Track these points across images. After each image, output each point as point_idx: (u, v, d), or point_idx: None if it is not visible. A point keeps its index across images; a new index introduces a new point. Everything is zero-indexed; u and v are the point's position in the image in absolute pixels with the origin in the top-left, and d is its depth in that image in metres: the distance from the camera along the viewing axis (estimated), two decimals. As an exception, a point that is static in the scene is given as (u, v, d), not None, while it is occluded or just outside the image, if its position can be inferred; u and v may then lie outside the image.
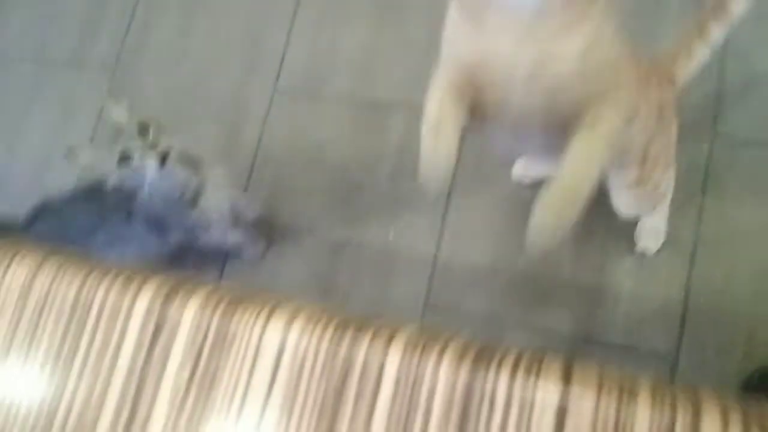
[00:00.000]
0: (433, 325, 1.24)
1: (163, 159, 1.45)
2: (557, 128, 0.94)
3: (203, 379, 0.61)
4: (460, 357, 0.56)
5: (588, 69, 0.89)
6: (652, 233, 1.56)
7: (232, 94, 2.01)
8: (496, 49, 0.89)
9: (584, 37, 0.87)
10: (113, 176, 1.47)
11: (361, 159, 1.83)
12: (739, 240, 1.55)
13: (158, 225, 1.62)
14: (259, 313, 0.61)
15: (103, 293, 0.67)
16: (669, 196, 1.48)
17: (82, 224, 1.63)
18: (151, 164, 1.44)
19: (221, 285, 0.67)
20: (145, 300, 0.65)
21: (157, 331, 0.64)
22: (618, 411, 0.54)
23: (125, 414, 0.62)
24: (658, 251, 1.56)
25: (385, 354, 0.57)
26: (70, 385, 0.65)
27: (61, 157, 1.42)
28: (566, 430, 0.53)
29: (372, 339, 0.58)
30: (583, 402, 0.55)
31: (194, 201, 1.59)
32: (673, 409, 0.54)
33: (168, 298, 0.65)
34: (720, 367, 1.49)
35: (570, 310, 1.57)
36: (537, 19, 0.85)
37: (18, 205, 1.66)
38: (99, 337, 0.65)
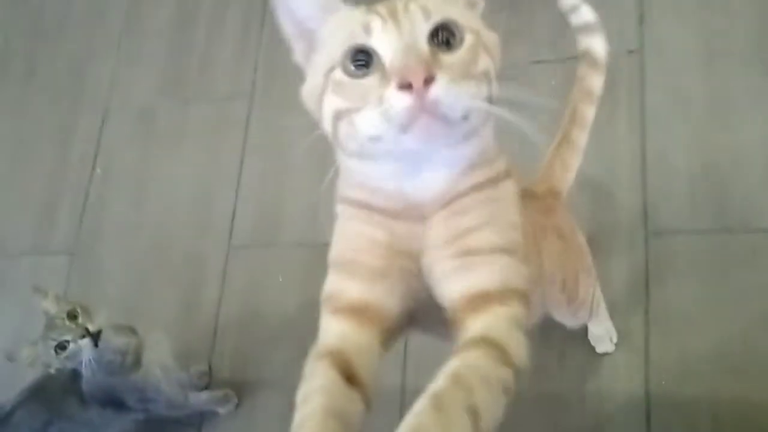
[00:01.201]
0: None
1: (96, 337, 1.51)
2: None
3: None
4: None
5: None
6: (603, 337, 1.57)
7: (190, 255, 2.06)
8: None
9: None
10: (54, 365, 1.52)
11: (317, 297, 1.84)
12: (688, 324, 1.56)
13: (110, 398, 1.64)
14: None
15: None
16: (601, 303, 1.50)
17: (34, 426, 1.65)
18: (86, 345, 1.50)
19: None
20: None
21: None
22: None
23: None
24: (615, 350, 1.57)
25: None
26: None
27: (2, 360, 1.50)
28: None
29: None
30: None
31: (137, 362, 1.62)
32: None
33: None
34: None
35: (539, 420, 1.55)
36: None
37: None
38: None
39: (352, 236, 0.84)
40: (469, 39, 0.73)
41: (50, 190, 2.31)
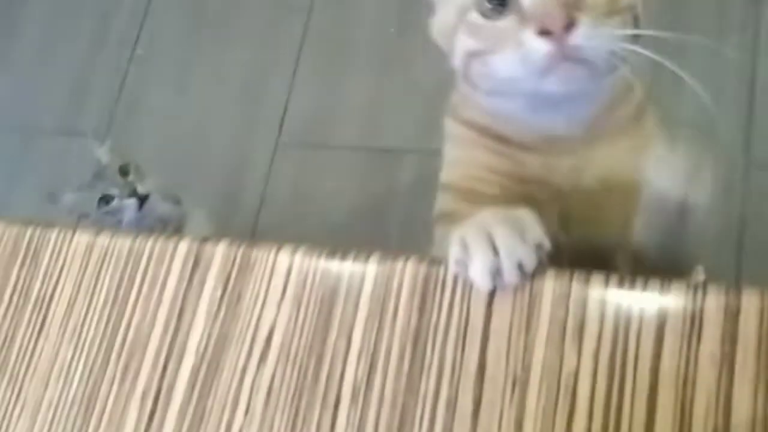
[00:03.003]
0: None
1: (143, 200, 1.50)
2: None
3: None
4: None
5: None
6: None
7: (234, 149, 2.00)
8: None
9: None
10: (92, 216, 1.51)
11: (370, 208, 1.82)
12: None
13: None
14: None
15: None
16: None
17: None
18: (131, 205, 1.50)
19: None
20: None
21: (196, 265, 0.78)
22: None
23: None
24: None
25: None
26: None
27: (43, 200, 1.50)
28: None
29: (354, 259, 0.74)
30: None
31: (177, 232, 1.59)
32: None
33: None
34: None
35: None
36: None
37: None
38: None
39: (472, 164, 0.83)
40: None
41: (87, 68, 2.21)
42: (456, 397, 0.66)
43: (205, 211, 1.69)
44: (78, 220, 1.57)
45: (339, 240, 1.52)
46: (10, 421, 0.77)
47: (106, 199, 1.49)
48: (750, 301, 0.62)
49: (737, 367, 0.61)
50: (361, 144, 1.89)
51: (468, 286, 0.68)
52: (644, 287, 0.66)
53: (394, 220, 1.78)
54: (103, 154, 1.55)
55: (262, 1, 2.14)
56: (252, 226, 1.89)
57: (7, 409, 0.78)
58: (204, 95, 2.08)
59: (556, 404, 0.64)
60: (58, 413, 0.76)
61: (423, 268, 0.71)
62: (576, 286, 0.67)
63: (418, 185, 1.75)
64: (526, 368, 0.65)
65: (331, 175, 1.88)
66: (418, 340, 0.69)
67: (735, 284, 0.63)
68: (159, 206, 1.55)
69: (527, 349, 0.66)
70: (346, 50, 2.00)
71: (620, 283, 0.66)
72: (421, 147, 1.72)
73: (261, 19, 2.12)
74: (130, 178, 1.53)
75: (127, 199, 1.50)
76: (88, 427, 0.74)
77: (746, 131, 1.63)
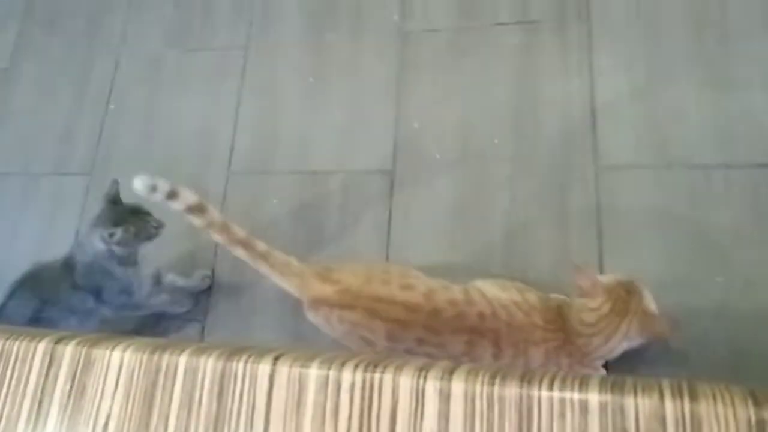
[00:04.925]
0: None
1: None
2: None
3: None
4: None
5: None
6: None
7: (193, 181, 2.06)
8: None
9: None
10: (131, 245, 1.71)
11: (308, 220, 1.97)
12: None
13: (97, 287, 1.75)
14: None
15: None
16: None
17: (25, 314, 1.74)
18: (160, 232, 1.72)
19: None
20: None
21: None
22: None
23: None
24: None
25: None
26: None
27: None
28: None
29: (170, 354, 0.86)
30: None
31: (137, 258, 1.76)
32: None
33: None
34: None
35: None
36: None
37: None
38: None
39: None
40: None
41: (70, 120, 2.42)
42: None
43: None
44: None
45: (287, 249, 1.67)
46: None
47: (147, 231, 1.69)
48: (458, 387, 0.73)
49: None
50: (296, 168, 2.07)
51: (254, 378, 0.81)
52: (383, 370, 0.77)
53: (329, 229, 1.97)
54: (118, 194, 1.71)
55: (206, 63, 2.36)
56: (214, 244, 2.04)
57: None
58: (166, 139, 2.28)
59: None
60: None
61: (221, 363, 0.83)
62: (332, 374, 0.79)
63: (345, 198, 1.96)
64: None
65: (275, 194, 2.07)
66: (217, 424, 0.81)
67: (449, 370, 0.75)
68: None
69: (298, 430, 0.77)
70: (278, 94, 2.21)
71: (366, 368, 0.77)
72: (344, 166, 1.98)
73: (207, 75, 2.34)
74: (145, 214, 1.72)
75: (160, 229, 1.72)
76: None
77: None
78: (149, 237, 1.69)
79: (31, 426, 0.88)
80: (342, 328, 1.47)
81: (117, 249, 1.67)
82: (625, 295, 1.38)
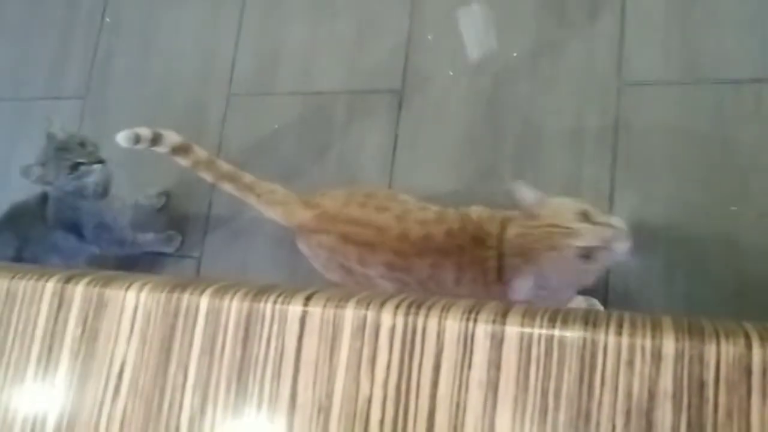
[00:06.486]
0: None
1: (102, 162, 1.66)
2: None
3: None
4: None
5: None
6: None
7: (192, 102, 2.06)
8: None
9: None
10: (59, 183, 1.65)
11: (310, 144, 1.87)
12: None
13: (73, 224, 1.73)
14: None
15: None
16: None
17: (7, 254, 1.72)
18: (98, 168, 1.66)
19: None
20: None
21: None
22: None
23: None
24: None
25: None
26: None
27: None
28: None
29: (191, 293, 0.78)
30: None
31: (105, 191, 1.73)
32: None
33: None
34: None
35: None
36: None
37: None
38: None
39: None
40: None
41: (63, 37, 2.29)
42: (273, 426, 0.70)
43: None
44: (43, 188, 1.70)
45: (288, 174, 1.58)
46: None
47: (74, 166, 1.63)
48: (513, 330, 0.65)
49: (500, 393, 0.64)
50: (299, 89, 1.95)
51: (284, 320, 0.73)
52: (428, 311, 0.69)
53: (332, 155, 1.86)
54: (56, 129, 1.65)
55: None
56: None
57: None
58: (164, 57, 2.16)
59: (353, 430, 0.68)
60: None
61: (246, 304, 0.75)
62: (371, 315, 0.70)
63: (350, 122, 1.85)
64: (329, 396, 0.70)
65: (277, 118, 1.95)
66: (242, 372, 0.73)
67: (502, 312, 0.67)
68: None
69: (330, 380, 0.70)
70: (282, 8, 2.06)
71: (408, 310, 0.69)
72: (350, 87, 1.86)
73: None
74: (89, 148, 1.66)
75: (95, 164, 1.65)
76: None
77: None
78: (82, 174, 1.65)
79: (41, 373, 0.81)
80: (323, 255, 1.40)
81: (46, 186, 1.69)
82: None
